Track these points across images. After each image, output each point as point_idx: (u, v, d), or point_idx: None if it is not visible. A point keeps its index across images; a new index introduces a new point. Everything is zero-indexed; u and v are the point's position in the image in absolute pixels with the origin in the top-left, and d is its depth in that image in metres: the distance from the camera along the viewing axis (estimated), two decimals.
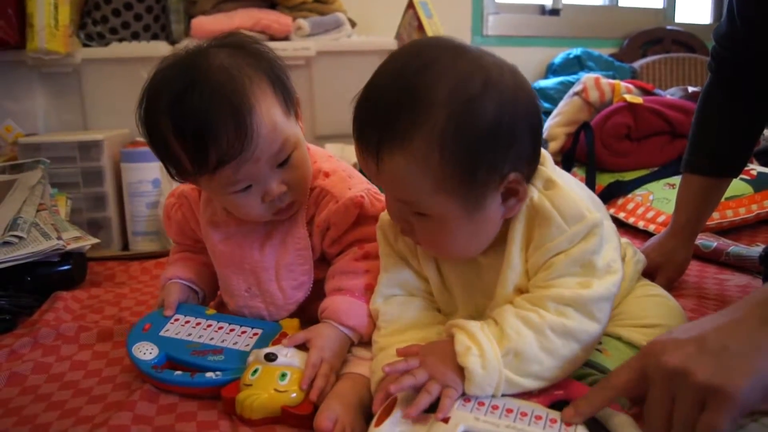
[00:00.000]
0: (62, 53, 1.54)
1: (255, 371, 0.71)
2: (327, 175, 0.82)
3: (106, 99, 1.67)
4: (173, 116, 0.70)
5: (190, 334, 0.81)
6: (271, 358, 0.72)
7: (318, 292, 0.82)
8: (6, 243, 1.04)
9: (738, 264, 1.19)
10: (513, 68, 0.62)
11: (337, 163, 0.86)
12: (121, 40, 1.69)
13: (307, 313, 0.83)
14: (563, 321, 0.60)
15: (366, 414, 0.70)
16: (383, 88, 0.59)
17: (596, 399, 0.57)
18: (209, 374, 0.74)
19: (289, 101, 0.76)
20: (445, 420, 0.57)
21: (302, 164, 0.78)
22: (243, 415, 0.69)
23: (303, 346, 0.74)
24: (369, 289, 0.78)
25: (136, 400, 0.71)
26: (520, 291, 0.65)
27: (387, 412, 0.60)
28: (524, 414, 0.58)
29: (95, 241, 1.19)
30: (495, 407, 0.58)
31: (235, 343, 0.79)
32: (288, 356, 0.72)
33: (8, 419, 0.69)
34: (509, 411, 0.58)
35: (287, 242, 0.81)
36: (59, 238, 1.09)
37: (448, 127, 0.56)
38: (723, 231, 1.41)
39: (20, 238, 1.06)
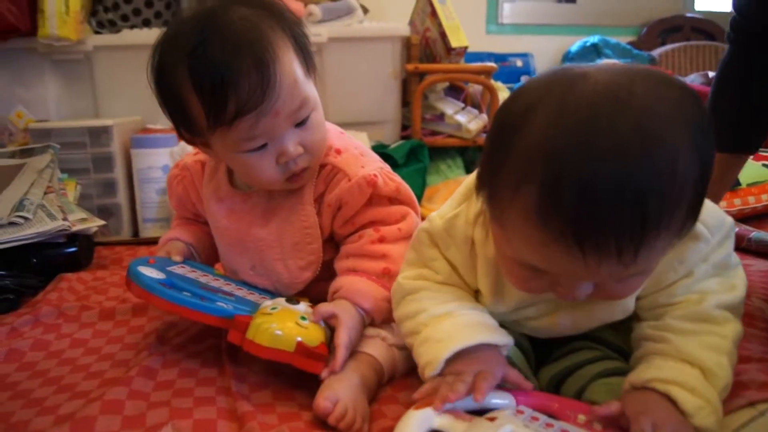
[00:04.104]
0: (73, 40, 1.54)
1: (274, 307, 0.69)
2: (339, 152, 0.79)
3: (117, 86, 1.67)
4: (191, 65, 0.66)
5: (198, 279, 0.79)
6: (293, 302, 0.70)
7: (325, 273, 0.80)
8: (12, 223, 1.04)
9: (760, 249, 1.15)
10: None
11: (349, 141, 0.83)
12: (132, 27, 1.68)
13: (313, 294, 0.81)
14: (735, 327, 0.58)
15: (370, 393, 0.68)
16: (605, 161, 0.44)
17: None
18: (221, 304, 0.71)
19: (309, 62, 0.73)
20: (491, 419, 0.54)
21: (320, 127, 0.75)
22: (255, 340, 0.65)
23: None
24: (386, 274, 0.75)
25: (133, 376, 0.70)
26: (626, 311, 0.62)
27: (430, 401, 0.57)
28: None
29: (101, 223, 1.18)
30: (549, 425, 0.55)
31: (245, 297, 0.77)
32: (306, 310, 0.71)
33: (3, 393, 0.69)
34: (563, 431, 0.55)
35: (293, 219, 0.79)
36: (65, 219, 1.09)
37: (700, 188, 0.48)
38: (745, 218, 1.38)
39: (26, 218, 1.05)
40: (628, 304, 0.62)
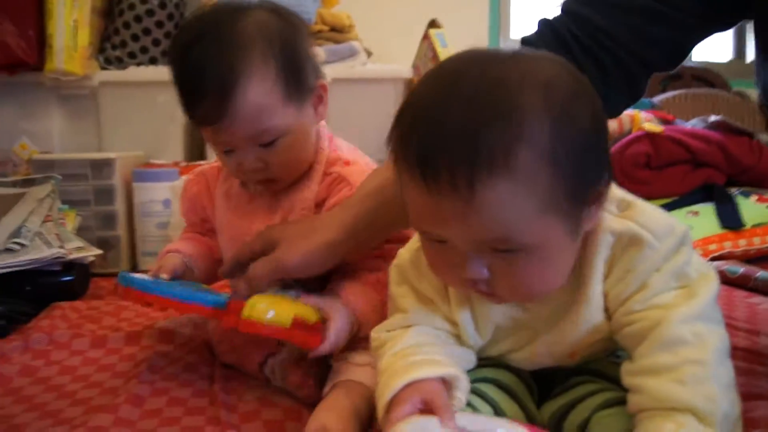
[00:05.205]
0: (79, 74, 1.56)
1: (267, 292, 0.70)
2: (347, 164, 0.81)
3: (121, 122, 1.68)
4: (179, 66, 0.73)
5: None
6: (285, 288, 0.71)
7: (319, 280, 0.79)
8: (8, 250, 1.03)
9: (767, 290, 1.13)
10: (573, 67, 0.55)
11: (361, 158, 0.86)
12: (138, 64, 1.71)
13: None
14: (712, 341, 0.52)
15: (362, 423, 0.66)
16: (454, 104, 0.48)
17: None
18: (212, 297, 0.71)
19: (298, 88, 0.75)
20: None
21: (288, 151, 0.76)
22: (251, 317, 0.65)
23: None
24: (381, 282, 0.74)
25: (120, 403, 0.68)
26: (599, 332, 0.58)
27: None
28: None
29: (98, 252, 1.17)
30: None
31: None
32: None
33: None
34: None
35: (292, 218, 0.80)
36: (61, 247, 1.08)
37: (554, 134, 0.48)
38: (750, 259, 1.36)
39: (22, 245, 1.05)
40: (593, 320, 0.58)
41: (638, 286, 0.55)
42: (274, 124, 0.73)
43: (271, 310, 0.65)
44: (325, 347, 0.67)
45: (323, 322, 0.68)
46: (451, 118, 0.48)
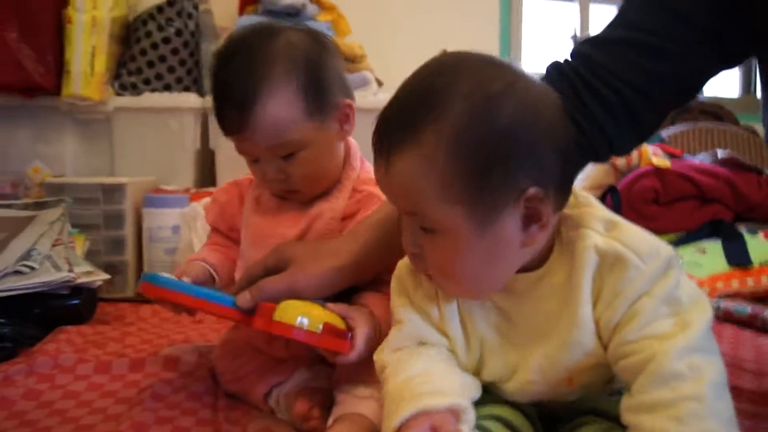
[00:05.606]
0: (95, 100, 1.59)
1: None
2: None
3: (135, 147, 1.70)
4: (213, 78, 0.79)
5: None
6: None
7: (346, 293, 0.78)
8: (17, 272, 1.04)
9: None
10: (547, 88, 0.58)
11: None
12: (153, 90, 1.73)
13: None
14: (709, 375, 0.51)
15: None
16: (403, 91, 0.57)
17: None
18: None
19: (320, 105, 0.77)
20: None
21: (309, 164, 0.78)
22: (283, 320, 0.65)
23: None
24: None
25: (124, 431, 0.67)
26: (592, 356, 0.58)
27: None
28: None
29: (106, 277, 1.18)
30: None
31: None
32: None
33: None
34: None
35: (317, 227, 0.81)
36: (70, 271, 1.09)
37: (460, 121, 0.53)
38: (758, 298, 1.35)
39: (32, 268, 1.05)
40: (584, 344, 0.57)
41: (627, 311, 0.55)
42: (293, 137, 0.76)
43: (302, 314, 0.66)
44: (353, 354, 0.67)
45: (349, 330, 0.69)
46: (398, 98, 0.57)
